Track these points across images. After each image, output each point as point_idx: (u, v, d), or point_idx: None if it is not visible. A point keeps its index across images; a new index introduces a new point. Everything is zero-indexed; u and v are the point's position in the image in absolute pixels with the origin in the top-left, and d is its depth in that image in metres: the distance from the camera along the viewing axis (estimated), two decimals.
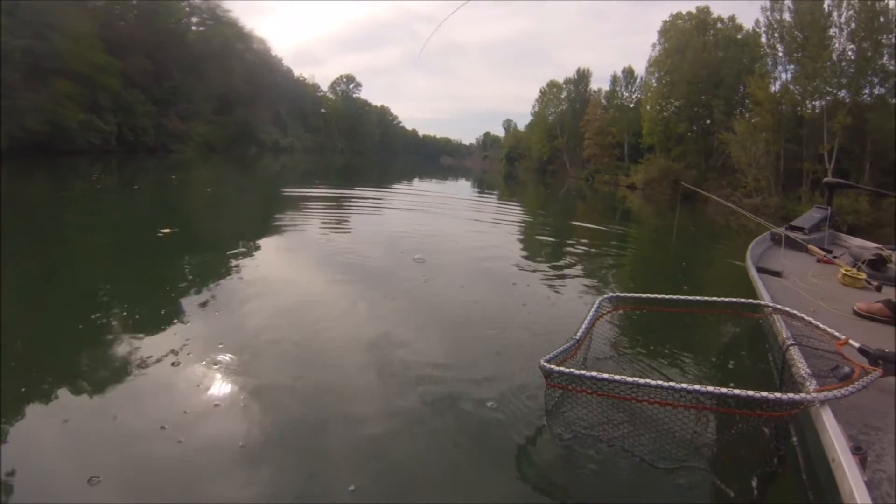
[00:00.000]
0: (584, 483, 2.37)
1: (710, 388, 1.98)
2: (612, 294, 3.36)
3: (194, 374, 2.91)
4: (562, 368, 2.31)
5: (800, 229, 5.09)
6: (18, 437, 2.30)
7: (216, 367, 3.01)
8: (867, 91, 19.01)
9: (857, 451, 1.55)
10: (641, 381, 2.13)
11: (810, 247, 4.57)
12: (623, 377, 2.20)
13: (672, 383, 2.08)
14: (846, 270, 3.67)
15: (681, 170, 30.05)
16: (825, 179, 5.75)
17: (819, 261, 4.32)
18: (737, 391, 1.93)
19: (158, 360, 3.01)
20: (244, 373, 2.97)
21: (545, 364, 2.32)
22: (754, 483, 2.30)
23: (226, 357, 3.14)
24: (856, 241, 5.10)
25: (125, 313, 3.89)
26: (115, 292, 4.51)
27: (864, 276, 3.60)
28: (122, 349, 3.18)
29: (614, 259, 8.88)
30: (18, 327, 3.47)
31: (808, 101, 20.63)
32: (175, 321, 3.72)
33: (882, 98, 18.79)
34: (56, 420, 2.41)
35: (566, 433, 2.56)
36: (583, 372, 2.28)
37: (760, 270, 3.78)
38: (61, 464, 2.18)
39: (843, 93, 19.21)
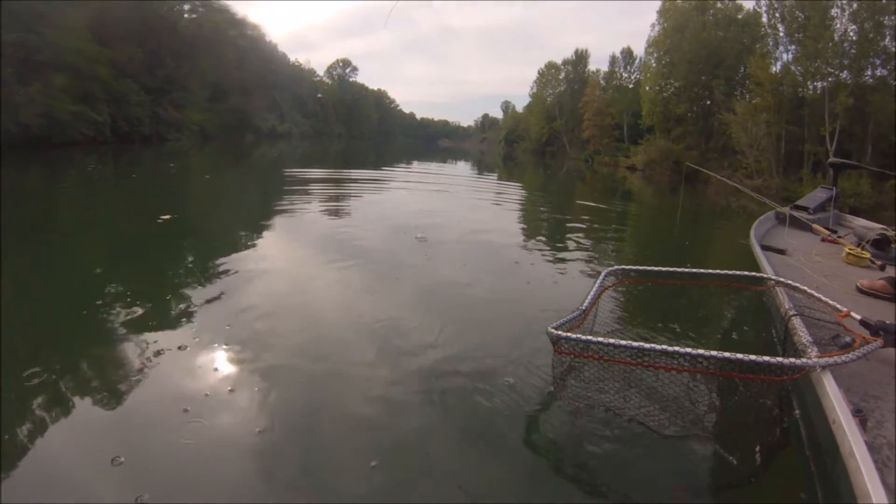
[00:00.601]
0: (588, 450, 2.41)
1: (714, 353, 2.00)
2: (616, 266, 3.39)
3: (204, 358, 2.93)
4: (569, 335, 2.34)
5: (804, 209, 5.04)
6: (34, 422, 2.33)
7: (225, 351, 3.03)
8: (869, 72, 18.76)
9: (858, 413, 1.57)
10: (647, 345, 2.17)
11: (815, 226, 4.54)
12: (629, 342, 2.22)
13: (677, 348, 2.10)
14: (850, 249, 3.65)
15: (681, 151, 29.85)
16: (830, 160, 5.69)
17: (823, 240, 4.29)
18: (740, 355, 1.96)
19: (167, 345, 3.03)
20: (253, 356, 2.99)
21: (552, 331, 2.36)
22: (756, 452, 2.35)
23: (234, 340, 3.16)
24: (860, 222, 5.07)
25: (130, 300, 3.86)
26: (118, 279, 4.48)
27: (868, 255, 3.58)
28: (129, 335, 3.18)
29: (616, 238, 8.90)
30: (24, 315, 3.49)
31: (809, 82, 20.39)
32: (181, 306, 3.73)
33: (884, 80, 18.54)
34: (70, 404, 2.44)
35: (572, 401, 2.61)
36: (589, 338, 2.31)
37: (765, 248, 3.78)
38: (81, 446, 2.21)
39: (844, 74, 18.97)
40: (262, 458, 2.17)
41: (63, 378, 2.67)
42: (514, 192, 16.21)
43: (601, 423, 2.53)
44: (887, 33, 17.42)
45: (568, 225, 10.07)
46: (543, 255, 6.34)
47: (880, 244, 3.82)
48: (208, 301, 3.86)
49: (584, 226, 9.89)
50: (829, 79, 19.38)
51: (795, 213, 4.85)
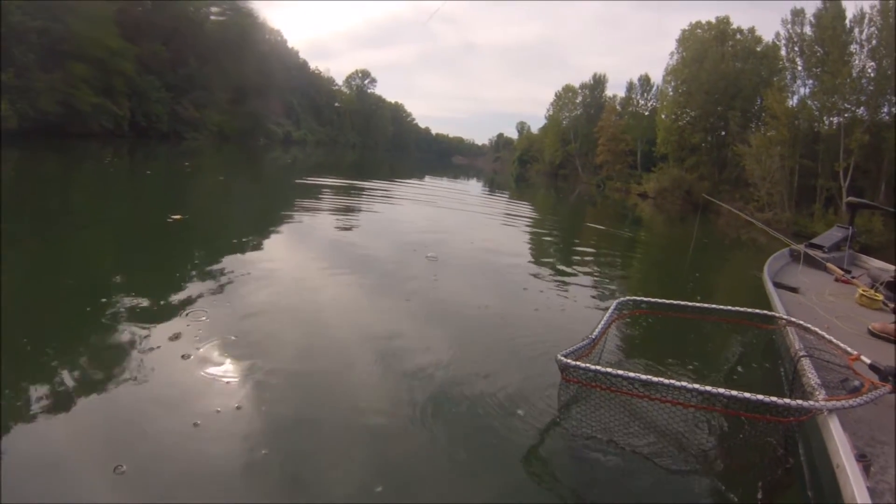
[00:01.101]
0: (591, 481, 2.39)
1: (722, 391, 2.04)
2: (628, 297, 3.42)
3: (207, 368, 2.88)
4: (578, 363, 2.36)
5: (819, 247, 5.06)
6: (36, 423, 2.30)
7: (230, 363, 2.98)
8: (886, 109, 18.70)
9: (862, 458, 1.57)
10: (655, 378, 2.18)
11: (829, 265, 4.56)
12: (637, 374, 2.22)
13: (685, 383, 2.10)
14: (864, 291, 3.66)
15: (693, 180, 29.83)
16: (847, 199, 5.65)
17: (837, 280, 4.31)
18: (747, 394, 1.97)
19: (171, 352, 2.99)
20: (257, 369, 2.94)
21: (561, 359, 2.37)
22: (759, 491, 2.31)
23: (239, 352, 3.11)
24: (876, 263, 5.03)
25: (135, 300, 3.82)
26: (125, 278, 4.47)
27: (881, 297, 3.58)
28: (133, 338, 3.15)
29: (625, 267, 8.83)
30: (29, 310, 3.48)
31: (825, 117, 20.35)
32: (187, 310, 3.68)
33: None
34: (72, 408, 2.40)
35: (577, 430, 2.60)
36: (598, 367, 2.32)
37: (777, 286, 3.81)
38: (82, 454, 2.16)
39: (861, 110, 18.91)
40: (264, 473, 2.14)
41: (63, 381, 2.63)
42: (524, 213, 16.25)
43: (604, 453, 2.50)
44: None
45: (577, 249, 10.03)
46: (552, 279, 6.30)
47: (894, 286, 3.81)
48: (214, 306, 3.82)
49: (593, 251, 9.84)
50: (846, 114, 19.37)
51: (810, 252, 4.88)
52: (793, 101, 21.93)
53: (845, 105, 19.24)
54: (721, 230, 18.79)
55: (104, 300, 3.72)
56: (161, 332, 3.26)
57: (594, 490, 2.34)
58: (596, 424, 2.53)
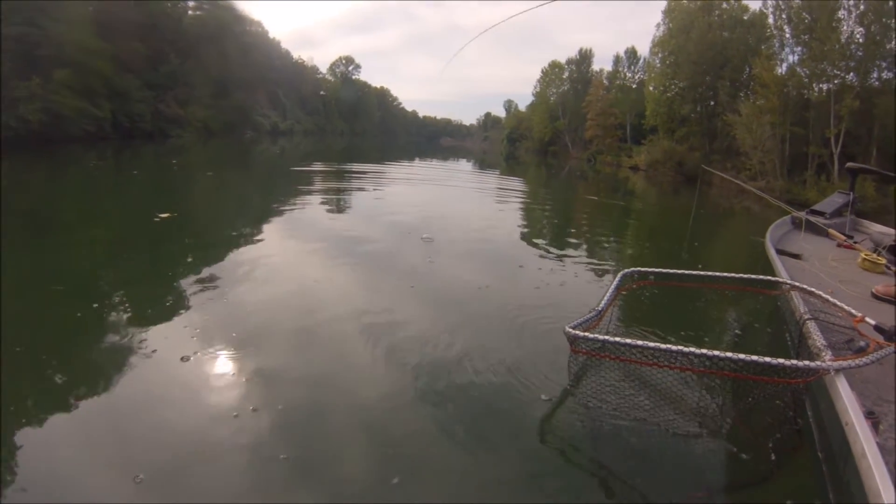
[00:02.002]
0: (603, 449, 2.43)
1: (730, 354, 2.05)
2: (633, 269, 3.44)
3: (210, 367, 2.90)
4: (586, 334, 2.40)
5: (821, 213, 5.08)
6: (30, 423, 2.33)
7: (231, 358, 3.00)
8: (875, 75, 18.65)
9: (870, 415, 1.60)
10: (662, 345, 2.21)
11: (831, 231, 4.59)
12: (644, 342, 2.28)
13: (692, 348, 2.12)
14: (866, 255, 3.69)
15: (684, 152, 29.74)
16: (847, 165, 5.66)
17: (839, 245, 4.34)
18: (755, 357, 1.98)
19: (169, 353, 2.99)
20: (261, 363, 2.95)
21: (570, 330, 2.42)
22: (770, 452, 2.36)
23: (240, 347, 3.13)
24: (877, 228, 5.07)
25: (129, 303, 3.85)
26: (116, 281, 4.45)
27: (884, 260, 3.61)
28: (129, 342, 3.14)
29: (622, 240, 8.90)
30: (14, 324, 3.40)
31: (815, 84, 20.28)
32: (182, 310, 3.68)
33: (889, 83, 18.45)
34: (74, 418, 2.41)
35: (588, 400, 2.65)
36: (606, 337, 2.36)
37: (780, 252, 3.84)
38: (86, 463, 2.18)
39: (850, 76, 18.86)
40: (282, 470, 2.14)
41: (59, 390, 2.63)
42: (516, 190, 16.26)
43: (616, 422, 2.55)
44: (894, 36, 17.29)
45: (572, 224, 10.07)
46: (549, 256, 6.32)
47: None
48: (211, 302, 3.83)
49: (588, 226, 9.89)
50: (835, 81, 19.29)
51: (812, 218, 4.88)
52: (781, 69, 21.81)
53: (834, 72, 19.17)
54: (714, 200, 18.96)
55: (96, 305, 3.71)
56: (158, 334, 3.26)
57: (607, 457, 2.39)
58: (606, 394, 2.58)
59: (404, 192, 12.74)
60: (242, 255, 5.31)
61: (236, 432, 2.35)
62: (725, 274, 3.38)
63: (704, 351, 2.10)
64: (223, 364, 2.94)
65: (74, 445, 2.24)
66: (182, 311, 3.65)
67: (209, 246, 5.85)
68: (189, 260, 5.20)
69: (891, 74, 18.22)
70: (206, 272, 4.62)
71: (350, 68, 73.18)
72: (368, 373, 3.03)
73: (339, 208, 9.15)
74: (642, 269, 3.49)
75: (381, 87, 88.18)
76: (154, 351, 3.01)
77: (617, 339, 2.31)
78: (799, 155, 21.05)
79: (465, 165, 29.69)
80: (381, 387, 2.87)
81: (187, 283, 4.26)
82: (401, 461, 2.25)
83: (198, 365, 2.90)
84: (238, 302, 3.92)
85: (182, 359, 2.92)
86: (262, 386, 2.74)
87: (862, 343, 2.08)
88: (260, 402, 2.59)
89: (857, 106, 18.02)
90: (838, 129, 18.92)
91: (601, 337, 2.36)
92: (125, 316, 3.60)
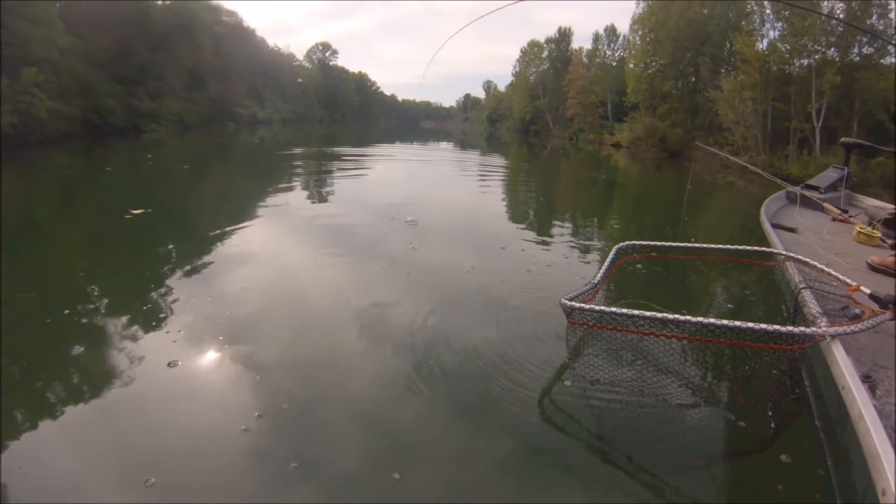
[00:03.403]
0: (603, 420, 2.47)
1: (727, 322, 2.04)
2: (628, 242, 3.42)
3: (198, 368, 2.85)
4: (583, 305, 2.41)
5: (815, 188, 5.06)
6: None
7: (218, 357, 2.94)
8: (856, 50, 18.80)
9: (867, 378, 1.58)
10: (659, 314, 2.20)
11: (826, 205, 4.57)
12: (641, 311, 2.25)
13: (689, 317, 2.12)
14: (861, 228, 3.68)
15: (666, 128, 29.92)
16: (842, 140, 5.67)
17: (834, 219, 4.33)
18: (752, 324, 1.99)
19: (155, 357, 2.88)
20: (252, 359, 2.90)
21: (566, 302, 2.42)
22: (770, 420, 2.42)
23: (227, 344, 3.06)
24: (871, 202, 5.09)
25: (105, 307, 3.72)
26: (90, 285, 4.28)
27: (878, 234, 3.61)
28: (111, 348, 3.05)
29: (609, 218, 8.98)
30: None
31: (796, 60, 20.40)
32: (165, 311, 3.55)
33: (870, 57, 18.65)
34: (63, 433, 2.33)
35: (587, 372, 2.68)
36: (602, 308, 2.37)
37: (775, 227, 3.81)
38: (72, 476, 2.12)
39: (832, 51, 19.00)
40: (282, 468, 2.12)
41: (44, 401, 2.55)
42: (498, 170, 16.34)
43: (615, 393, 2.59)
44: (874, 11, 17.42)
45: (557, 203, 10.09)
46: (536, 235, 6.36)
47: (891, 224, 3.82)
48: (195, 299, 3.72)
49: (572, 204, 9.92)
50: (816, 56, 19.42)
51: (807, 193, 4.86)
52: (762, 45, 21.89)
53: (815, 47, 19.31)
54: (697, 175, 19.12)
55: (67, 312, 3.54)
56: (138, 338, 3.17)
57: (608, 429, 2.42)
58: (605, 365, 2.61)
59: (386, 175, 12.64)
60: (224, 249, 5.16)
61: (230, 427, 2.33)
62: (721, 246, 3.37)
63: (701, 319, 2.10)
64: (211, 364, 2.88)
65: (73, 454, 2.21)
66: (162, 313, 3.52)
67: (186, 241, 5.69)
68: (166, 257, 5.03)
69: (871, 49, 18.38)
70: (185, 268, 4.50)
71: (327, 54, 71.85)
72: (362, 361, 3.02)
73: (321, 195, 9.02)
74: (638, 242, 3.48)
75: (360, 73, 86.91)
76: (139, 357, 2.91)
77: (613, 309, 2.30)
78: (781, 130, 21.28)
79: (446, 147, 29.54)
80: (376, 374, 2.87)
81: (165, 282, 4.14)
82: (399, 448, 2.27)
83: (185, 369, 2.82)
84: (221, 297, 3.82)
85: (169, 364, 2.83)
86: (253, 381, 2.70)
87: (857, 311, 2.06)
88: (252, 397, 2.57)
89: (838, 81, 18.20)
90: (819, 103, 19.13)
91: (598, 308, 2.37)
92: (99, 321, 3.47)
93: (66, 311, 3.54)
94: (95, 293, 4.00)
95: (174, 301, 3.71)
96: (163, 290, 3.92)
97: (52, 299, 3.84)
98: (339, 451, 2.26)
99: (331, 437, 2.34)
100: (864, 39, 18.31)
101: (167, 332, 3.23)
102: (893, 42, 17.20)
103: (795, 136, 20.53)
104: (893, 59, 18.39)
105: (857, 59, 18.69)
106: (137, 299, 3.77)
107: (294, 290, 4.12)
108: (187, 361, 2.87)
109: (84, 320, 3.47)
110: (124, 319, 3.44)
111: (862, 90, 18.10)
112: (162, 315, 3.48)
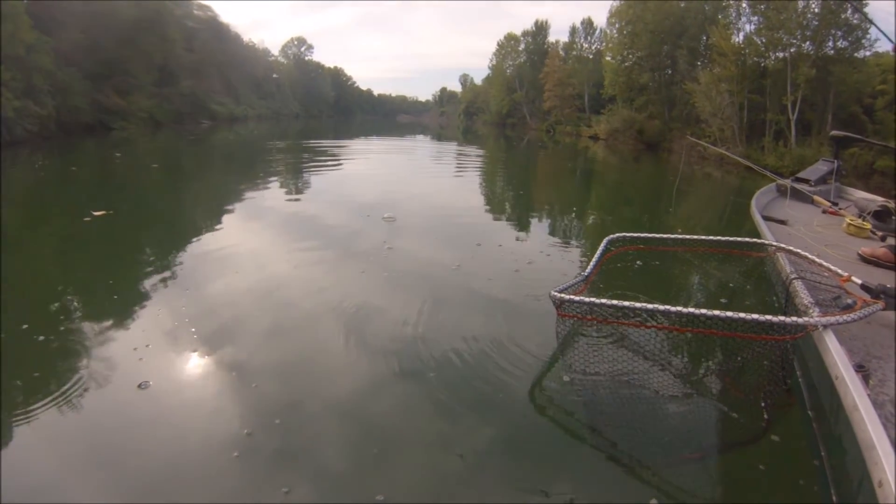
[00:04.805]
0: (595, 412, 2.47)
1: (718, 313, 2.02)
2: (618, 234, 3.41)
3: (172, 369, 2.75)
4: (572, 297, 2.39)
5: (805, 181, 5.09)
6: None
7: (194, 358, 2.85)
8: (830, 44, 19.24)
9: (860, 368, 1.57)
10: (649, 305, 2.19)
11: (816, 198, 4.59)
12: (631, 303, 2.23)
13: (680, 308, 2.10)
14: (851, 220, 3.68)
15: (644, 120, 30.29)
16: (832, 133, 5.74)
17: (825, 212, 4.34)
18: (743, 314, 1.98)
19: (122, 373, 2.71)
20: (232, 365, 2.80)
21: (555, 294, 2.41)
22: (762, 411, 2.41)
23: (204, 346, 2.96)
24: (861, 194, 5.15)
25: (70, 315, 3.49)
26: (44, 293, 3.91)
27: (869, 226, 3.62)
28: (81, 358, 2.87)
29: (593, 211, 8.98)
30: None
31: (771, 53, 20.79)
32: (136, 317, 3.39)
33: (844, 51, 19.11)
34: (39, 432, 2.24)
35: (577, 364, 2.68)
36: (592, 299, 2.34)
37: (766, 219, 3.81)
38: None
39: (807, 44, 19.40)
40: (267, 469, 2.06)
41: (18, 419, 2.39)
42: (476, 164, 16.38)
43: (606, 385, 2.58)
44: (849, 6, 17.85)
45: (535, 196, 10.07)
46: (517, 230, 6.36)
47: (881, 216, 3.85)
48: (167, 303, 3.56)
49: (556, 197, 9.91)
50: (791, 49, 19.82)
51: (797, 185, 4.88)
52: (738, 38, 22.26)
53: (791, 40, 19.69)
54: (674, 166, 19.48)
55: (25, 327, 3.24)
56: (103, 350, 2.98)
57: (599, 422, 2.42)
58: (596, 357, 2.61)
59: (363, 170, 12.49)
60: (193, 250, 4.96)
61: (213, 427, 2.29)
62: (711, 237, 3.37)
63: (692, 310, 2.08)
64: (187, 378, 2.75)
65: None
66: (124, 321, 3.33)
67: (150, 243, 5.42)
68: (129, 260, 4.78)
69: (846, 43, 18.82)
70: (147, 272, 4.30)
71: (303, 49, 70.39)
72: (346, 360, 2.97)
73: (297, 191, 8.83)
74: (628, 234, 3.45)
75: (335, 68, 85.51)
76: (103, 376, 2.71)
77: (603, 300, 2.28)
78: (757, 121, 21.72)
79: (423, 141, 29.37)
80: (361, 371, 2.83)
81: (130, 287, 3.96)
82: (384, 440, 2.25)
83: (156, 388, 2.63)
84: (195, 300, 3.68)
85: (140, 386, 2.62)
86: (234, 383, 2.63)
87: (849, 301, 2.07)
88: (234, 399, 2.50)
89: (813, 74, 18.63)
90: (795, 96, 19.57)
91: (588, 299, 2.33)
92: (54, 336, 3.18)
93: (24, 327, 3.26)
94: (52, 305, 3.65)
95: (136, 308, 3.52)
96: (126, 296, 3.75)
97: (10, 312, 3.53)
98: (324, 442, 2.24)
99: (314, 431, 2.31)
100: (839, 33, 18.75)
101: (133, 350, 2.98)
102: None
103: (771, 128, 20.97)
104: (868, 53, 18.91)
105: (832, 52, 19.15)
106: (95, 308, 3.58)
107: (271, 291, 3.94)
108: (159, 380, 2.68)
109: (41, 337, 3.16)
110: (80, 329, 3.24)
111: (836, 83, 18.59)
112: (124, 325, 3.28)
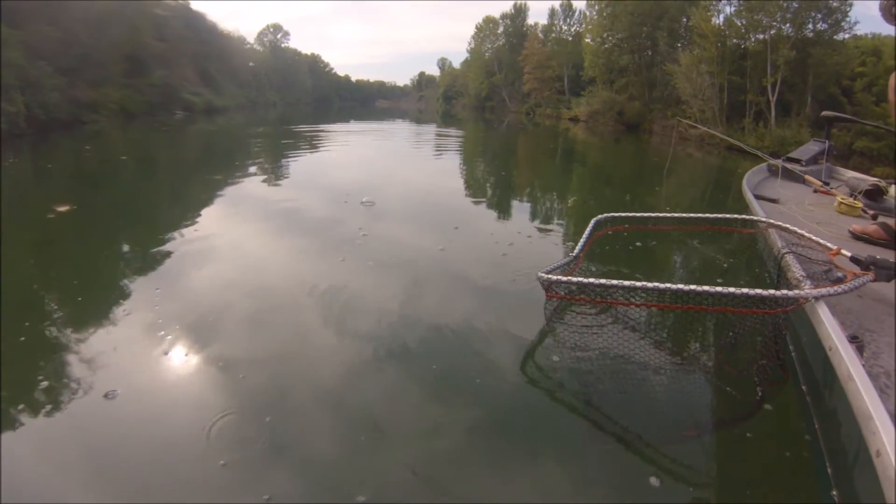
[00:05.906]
0: (587, 392, 2.45)
1: (708, 288, 2.00)
2: (606, 214, 3.36)
3: (141, 372, 2.58)
4: (560, 278, 2.37)
5: (797, 161, 5.06)
6: None
7: (166, 359, 2.68)
8: (810, 26, 19.43)
9: (854, 339, 1.56)
10: (639, 284, 2.18)
11: (807, 177, 4.53)
12: (620, 281, 2.22)
13: (669, 285, 2.10)
14: (843, 199, 3.66)
15: (624, 101, 30.42)
16: (823, 113, 5.70)
17: (816, 191, 4.30)
18: (733, 289, 1.98)
19: (92, 380, 2.49)
20: (220, 364, 2.64)
21: (543, 275, 2.39)
22: (756, 386, 2.41)
23: (186, 341, 2.83)
24: (852, 174, 5.15)
25: (34, 318, 3.18)
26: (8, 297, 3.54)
27: (860, 204, 3.60)
28: (54, 364, 2.66)
29: (576, 191, 8.98)
30: None
31: (751, 35, 20.89)
32: (109, 317, 3.17)
33: (823, 34, 19.29)
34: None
35: (568, 343, 2.63)
36: (580, 279, 2.30)
37: (757, 198, 3.76)
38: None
39: (787, 27, 19.52)
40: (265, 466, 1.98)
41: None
42: (455, 147, 16.35)
43: (598, 365, 2.56)
44: None
45: (516, 178, 10.02)
46: (500, 211, 6.32)
47: (872, 195, 3.84)
48: (144, 302, 3.35)
49: (538, 179, 9.86)
50: (771, 31, 19.93)
51: (788, 165, 4.87)
52: (719, 20, 22.34)
53: (771, 22, 19.80)
54: (655, 147, 19.68)
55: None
56: (83, 346, 2.82)
57: (592, 401, 2.39)
58: (587, 337, 2.56)
59: (342, 154, 12.28)
60: (169, 242, 4.69)
61: (201, 423, 2.19)
62: (700, 215, 3.33)
63: (682, 286, 2.06)
64: (159, 369, 2.62)
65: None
66: (96, 321, 3.13)
67: (117, 237, 5.17)
68: (94, 256, 4.53)
69: (825, 26, 18.99)
70: (113, 267, 4.14)
71: (279, 37, 68.62)
72: (333, 347, 2.86)
73: (273, 177, 8.56)
74: (616, 214, 3.40)
75: (313, 54, 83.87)
76: (72, 385, 2.51)
77: (591, 280, 2.25)
78: (737, 103, 21.96)
79: (402, 124, 29.10)
80: (350, 356, 2.74)
81: (98, 285, 3.77)
82: (372, 426, 2.20)
83: (125, 397, 2.43)
84: (168, 296, 3.49)
85: (106, 396, 2.40)
86: (217, 377, 2.53)
87: (839, 274, 2.08)
88: (221, 395, 2.40)
89: (793, 56, 18.81)
90: (774, 77, 19.79)
91: (576, 279, 2.31)
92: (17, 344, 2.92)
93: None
94: (12, 307, 3.36)
95: (105, 308, 3.31)
96: (90, 296, 3.54)
97: None
98: (313, 432, 2.17)
99: (302, 422, 2.23)
100: (819, 15, 18.89)
101: (101, 353, 2.79)
102: None
103: (751, 109, 21.22)
104: (847, 35, 19.12)
105: (811, 34, 19.36)
106: (61, 311, 3.33)
107: (250, 285, 3.73)
108: (130, 383, 2.51)
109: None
110: (45, 335, 3.00)
111: (815, 65, 18.85)
112: (89, 327, 3.06)
